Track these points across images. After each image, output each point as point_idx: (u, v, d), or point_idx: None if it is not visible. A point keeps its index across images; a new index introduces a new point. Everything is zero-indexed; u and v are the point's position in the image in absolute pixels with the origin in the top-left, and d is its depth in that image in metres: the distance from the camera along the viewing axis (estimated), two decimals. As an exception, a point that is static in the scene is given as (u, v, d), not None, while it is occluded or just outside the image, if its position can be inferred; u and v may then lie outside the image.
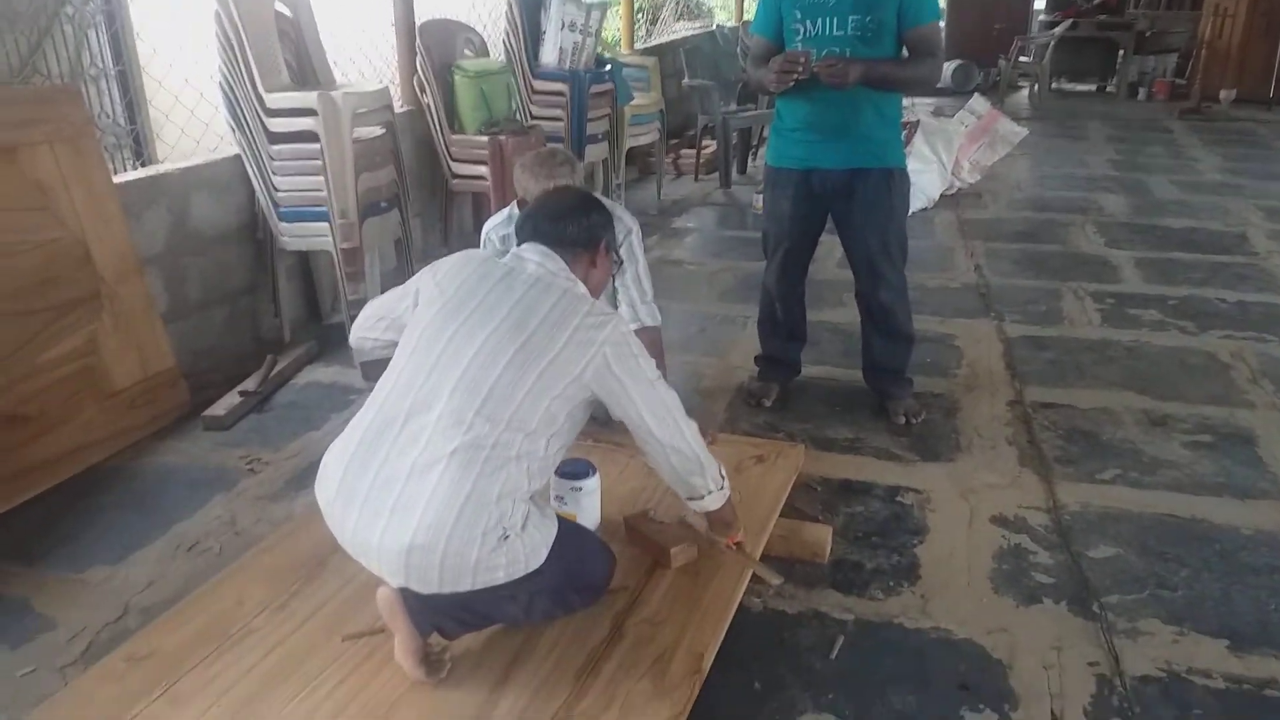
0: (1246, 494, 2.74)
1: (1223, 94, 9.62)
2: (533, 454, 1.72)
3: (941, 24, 3.03)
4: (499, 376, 1.70)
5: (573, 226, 1.93)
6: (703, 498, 1.96)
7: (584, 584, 1.90)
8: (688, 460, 1.89)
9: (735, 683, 1.99)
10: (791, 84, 2.81)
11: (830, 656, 2.08)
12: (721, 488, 1.97)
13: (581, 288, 1.89)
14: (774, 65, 2.82)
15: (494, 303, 1.78)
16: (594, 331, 1.77)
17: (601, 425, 2.71)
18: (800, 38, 2.89)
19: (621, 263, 2.66)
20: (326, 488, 1.76)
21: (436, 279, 1.89)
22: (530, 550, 1.72)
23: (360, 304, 2.05)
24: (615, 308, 2.75)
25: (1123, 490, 2.77)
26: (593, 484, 2.15)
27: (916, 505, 2.69)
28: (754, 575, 2.07)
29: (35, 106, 2.94)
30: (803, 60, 2.77)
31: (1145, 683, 2.01)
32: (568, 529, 1.87)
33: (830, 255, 4.52)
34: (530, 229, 1.94)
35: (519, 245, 1.94)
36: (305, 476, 2.79)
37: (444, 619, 1.76)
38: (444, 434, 1.67)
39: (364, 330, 2.06)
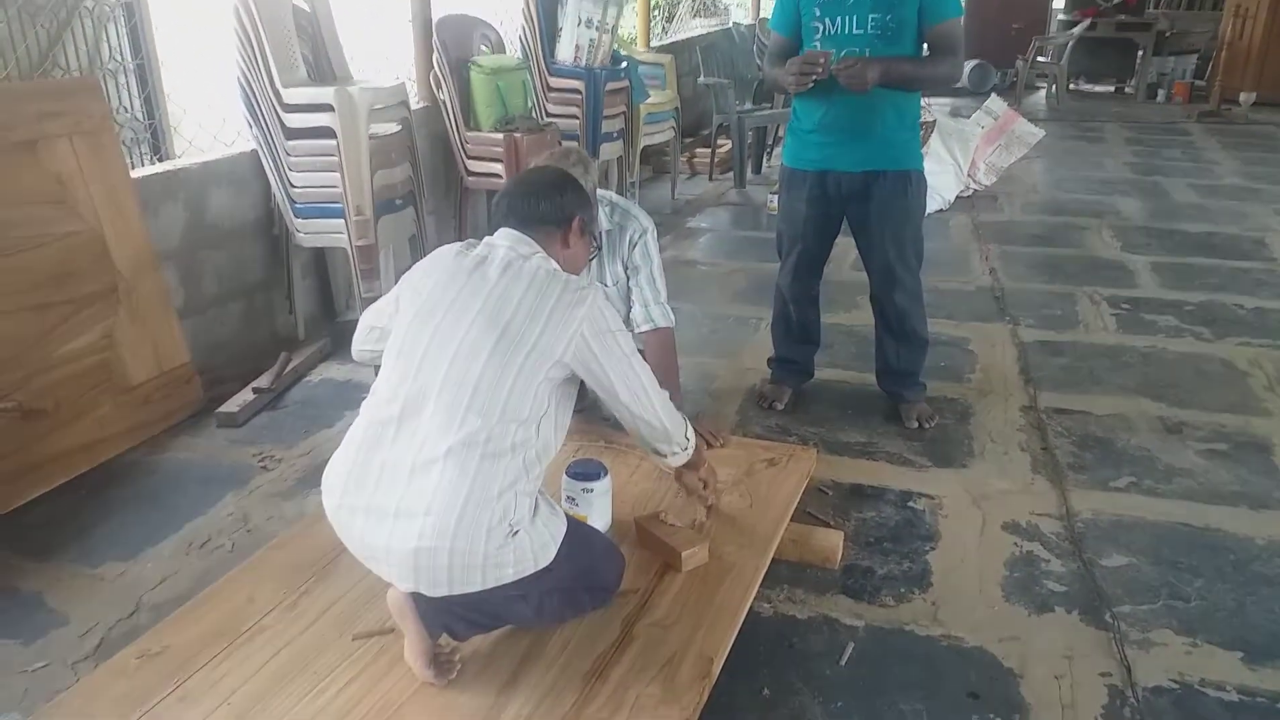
0: (1262, 504, 2.72)
1: (1242, 96, 9.53)
2: (528, 442, 1.71)
3: (962, 20, 3.01)
4: (483, 369, 1.69)
5: (544, 204, 1.91)
6: (665, 457, 2.05)
7: (594, 584, 1.90)
8: (655, 430, 1.96)
9: (745, 688, 1.99)
10: (810, 85, 2.80)
11: (840, 663, 2.08)
12: (686, 449, 2.05)
13: (554, 264, 1.86)
14: (792, 66, 2.80)
15: (469, 296, 1.76)
16: (572, 310, 1.75)
17: (614, 427, 2.72)
18: (819, 35, 2.87)
19: (600, 247, 2.64)
20: (330, 497, 1.77)
21: (412, 280, 1.88)
22: (539, 547, 1.72)
23: (373, 302, 2.05)
24: (629, 309, 2.75)
25: (1136, 498, 2.76)
26: (604, 485, 2.15)
27: (929, 511, 2.68)
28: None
29: (55, 100, 2.95)
30: (822, 61, 2.75)
31: (1158, 694, 1.99)
32: (577, 528, 1.87)
33: (845, 257, 4.50)
34: (504, 209, 1.93)
35: (492, 230, 1.93)
36: (318, 474, 2.76)
37: (454, 619, 1.76)
38: (438, 433, 1.67)
39: (361, 343, 2.05)
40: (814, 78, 2.77)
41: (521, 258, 1.83)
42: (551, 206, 1.92)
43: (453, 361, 1.70)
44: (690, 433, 2.06)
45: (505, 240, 1.88)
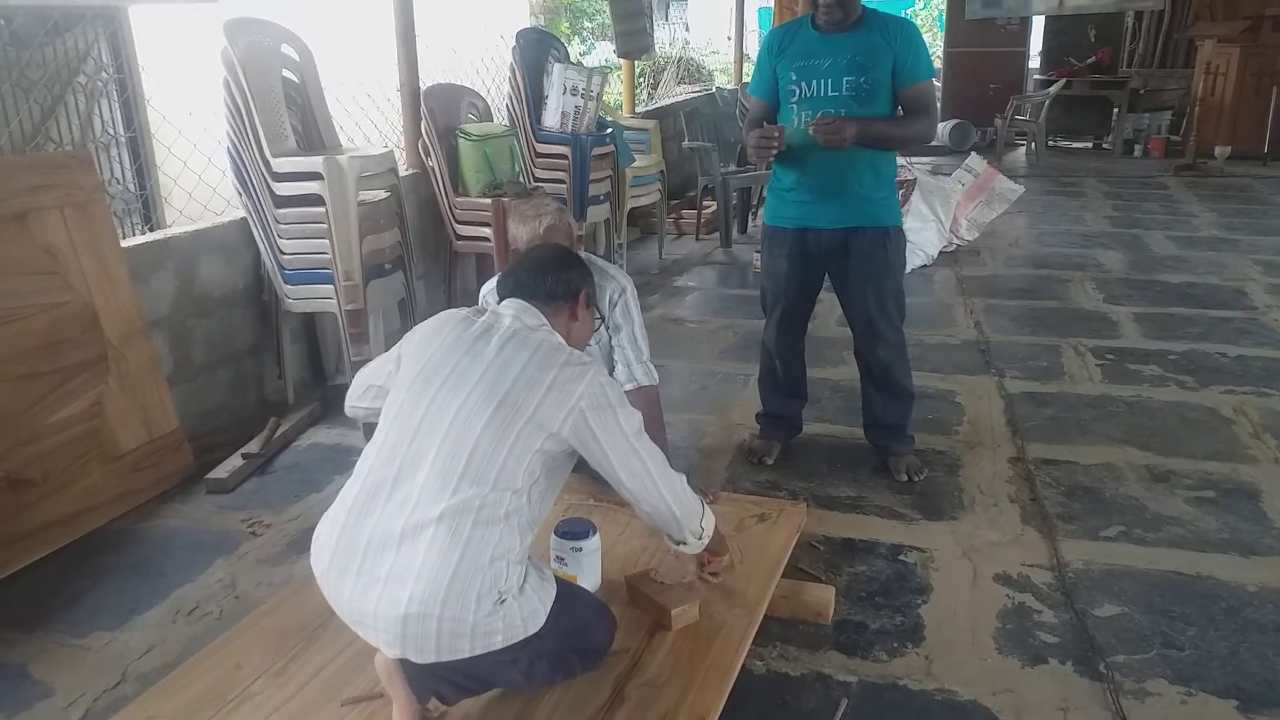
0: (1252, 550, 2.73)
1: (1217, 150, 9.71)
2: (520, 510, 1.72)
3: (936, 82, 3.10)
4: (479, 437, 1.69)
5: (550, 279, 1.95)
6: (679, 545, 2.00)
7: (584, 646, 1.89)
8: (662, 515, 1.91)
9: (738, 747, 1.97)
10: (770, 159, 2.88)
11: None
12: (700, 537, 2.00)
13: (559, 338, 1.88)
14: (751, 140, 2.89)
15: (470, 362, 1.78)
16: (572, 384, 1.76)
17: (603, 485, 2.72)
18: (796, 99, 2.95)
19: (604, 318, 2.68)
20: (320, 558, 1.76)
21: (415, 342, 1.90)
22: (528, 613, 1.71)
23: (364, 365, 2.07)
24: (612, 368, 2.77)
25: (1127, 547, 2.76)
26: (593, 544, 2.14)
27: (920, 564, 2.68)
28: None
29: (47, 173, 2.99)
30: (777, 135, 2.85)
31: (1154, 745, 1.98)
32: (566, 591, 1.86)
33: (830, 313, 4.55)
34: (510, 285, 1.96)
35: (499, 303, 1.96)
36: (306, 539, 2.74)
37: (442, 684, 1.74)
38: (431, 499, 1.67)
39: (355, 400, 2.06)
40: (772, 152, 2.87)
41: (528, 329, 1.85)
42: (557, 283, 1.96)
43: (450, 428, 1.71)
44: (708, 520, 2.00)
45: (511, 310, 1.90)
